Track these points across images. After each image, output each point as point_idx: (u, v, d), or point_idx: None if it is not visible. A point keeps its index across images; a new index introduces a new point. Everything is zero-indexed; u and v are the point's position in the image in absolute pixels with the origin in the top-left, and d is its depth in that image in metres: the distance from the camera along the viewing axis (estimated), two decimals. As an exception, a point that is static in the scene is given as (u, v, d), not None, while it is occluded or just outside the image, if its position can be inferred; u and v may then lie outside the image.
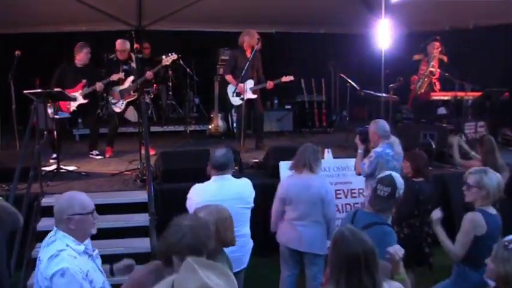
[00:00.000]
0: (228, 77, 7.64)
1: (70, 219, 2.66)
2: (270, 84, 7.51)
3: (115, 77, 7.08)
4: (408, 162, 4.60)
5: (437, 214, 3.72)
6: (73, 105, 6.87)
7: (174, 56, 7.33)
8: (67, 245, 2.64)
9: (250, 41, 7.43)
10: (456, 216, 5.20)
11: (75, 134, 8.85)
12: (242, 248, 3.59)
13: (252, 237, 4.01)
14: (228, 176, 3.86)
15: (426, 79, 8.01)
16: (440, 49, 8.02)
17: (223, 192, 3.74)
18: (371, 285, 2.18)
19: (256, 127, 7.94)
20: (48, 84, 6.74)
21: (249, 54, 7.42)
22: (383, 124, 4.85)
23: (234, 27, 8.81)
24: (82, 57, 6.98)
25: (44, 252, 2.68)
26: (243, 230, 3.76)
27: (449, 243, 3.58)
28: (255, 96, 7.58)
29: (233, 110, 8.63)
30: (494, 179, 3.56)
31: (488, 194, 3.52)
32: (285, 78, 7.57)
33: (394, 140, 4.81)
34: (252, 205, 3.94)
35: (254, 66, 7.55)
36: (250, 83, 7.51)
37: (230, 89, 7.66)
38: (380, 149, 4.70)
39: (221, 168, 3.82)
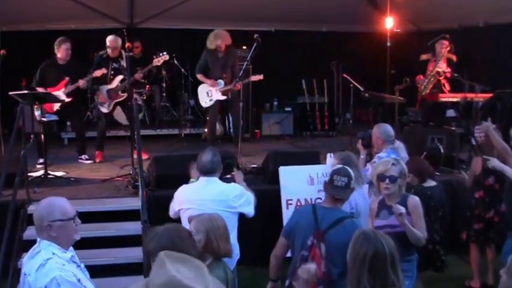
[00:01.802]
0: (199, 77, 7.74)
1: (50, 226, 2.66)
2: (237, 87, 7.48)
3: (98, 73, 7.06)
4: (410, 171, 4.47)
5: (400, 209, 3.65)
6: (56, 105, 6.89)
7: (166, 57, 7.29)
8: (53, 253, 2.65)
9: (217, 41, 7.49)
10: (464, 222, 5.25)
11: (63, 137, 8.88)
12: None
13: (249, 247, 4.03)
14: (214, 179, 4.05)
15: (432, 79, 8.03)
16: (449, 48, 8.04)
17: (204, 192, 3.94)
18: (397, 280, 2.35)
19: (234, 130, 7.93)
20: (30, 84, 6.75)
21: (219, 54, 7.53)
22: (387, 128, 4.89)
23: (231, 25, 8.83)
24: (61, 53, 6.96)
25: (29, 265, 2.67)
26: None
27: (418, 232, 3.67)
28: (224, 97, 7.59)
29: (229, 114, 8.63)
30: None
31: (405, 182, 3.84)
32: (253, 78, 7.60)
33: (399, 145, 4.84)
34: (238, 210, 3.99)
35: (227, 65, 7.61)
36: (219, 84, 7.58)
37: (201, 89, 7.73)
38: (384, 154, 4.72)
39: (207, 173, 4.02)
